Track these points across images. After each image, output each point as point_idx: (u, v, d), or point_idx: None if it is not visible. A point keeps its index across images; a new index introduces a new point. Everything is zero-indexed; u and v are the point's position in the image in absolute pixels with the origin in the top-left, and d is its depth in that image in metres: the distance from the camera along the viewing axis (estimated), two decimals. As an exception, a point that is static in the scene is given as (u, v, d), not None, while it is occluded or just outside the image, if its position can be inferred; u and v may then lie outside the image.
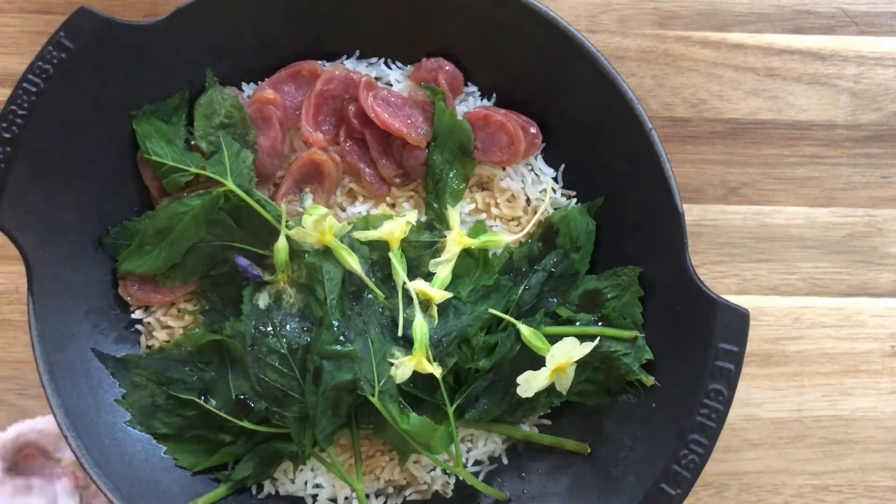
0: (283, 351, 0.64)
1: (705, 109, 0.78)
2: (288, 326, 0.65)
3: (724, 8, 0.79)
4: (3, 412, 0.74)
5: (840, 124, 0.79)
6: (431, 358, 0.64)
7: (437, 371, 0.63)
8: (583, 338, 0.64)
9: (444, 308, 0.65)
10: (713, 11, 0.79)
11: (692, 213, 0.77)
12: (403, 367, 0.63)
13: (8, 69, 0.77)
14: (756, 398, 0.77)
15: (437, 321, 0.65)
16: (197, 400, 0.66)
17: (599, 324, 0.67)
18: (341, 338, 0.64)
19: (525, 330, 0.64)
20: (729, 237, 0.78)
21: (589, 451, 0.68)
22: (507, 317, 0.65)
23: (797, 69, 0.79)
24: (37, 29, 0.78)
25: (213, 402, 0.66)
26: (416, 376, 0.64)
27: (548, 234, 0.69)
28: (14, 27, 0.78)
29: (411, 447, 0.66)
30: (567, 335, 0.64)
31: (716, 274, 0.77)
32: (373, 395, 0.63)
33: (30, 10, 0.78)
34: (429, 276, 0.67)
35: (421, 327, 0.63)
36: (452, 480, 0.71)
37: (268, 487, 0.69)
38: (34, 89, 0.61)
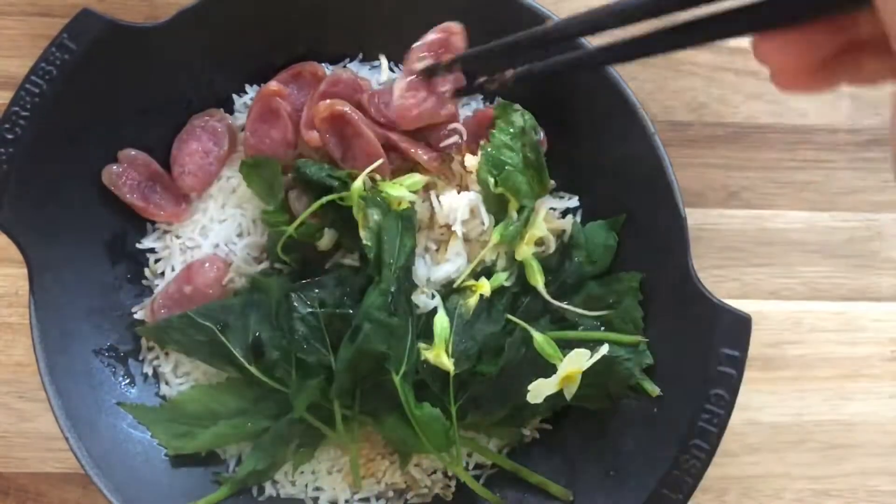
0: (317, 310, 0.65)
1: (706, 113, 0.79)
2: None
3: (726, 10, 0.79)
4: (3, 415, 0.74)
5: (840, 128, 0.79)
6: (450, 353, 0.64)
7: (451, 367, 0.63)
8: (586, 342, 0.64)
9: (478, 311, 0.66)
10: (714, 14, 0.79)
11: (693, 217, 0.77)
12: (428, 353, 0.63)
13: (9, 72, 0.77)
14: (756, 402, 0.76)
15: (470, 314, 0.65)
16: (214, 328, 0.65)
17: (602, 328, 0.67)
18: (391, 308, 0.63)
19: (539, 337, 0.64)
20: (729, 241, 0.78)
21: (572, 499, 0.67)
22: (522, 323, 0.65)
23: (798, 73, 0.79)
24: (37, 32, 0.78)
25: (230, 340, 0.65)
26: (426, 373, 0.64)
27: (564, 245, 0.69)
28: (15, 30, 0.78)
29: (412, 447, 0.65)
30: (570, 339, 0.65)
31: (716, 278, 0.77)
32: (397, 374, 0.63)
33: (31, 12, 0.78)
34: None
35: (440, 321, 0.64)
36: (453, 483, 0.71)
37: (269, 489, 0.69)
38: (37, 90, 0.62)
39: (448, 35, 0.64)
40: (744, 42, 0.77)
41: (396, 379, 0.62)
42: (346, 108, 0.66)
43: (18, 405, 0.74)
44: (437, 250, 0.68)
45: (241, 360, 0.65)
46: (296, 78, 0.71)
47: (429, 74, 0.63)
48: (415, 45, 0.64)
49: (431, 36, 0.64)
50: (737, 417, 0.75)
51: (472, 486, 0.68)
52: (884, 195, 0.78)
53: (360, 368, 0.63)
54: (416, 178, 0.66)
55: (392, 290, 0.63)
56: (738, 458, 0.76)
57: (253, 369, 0.65)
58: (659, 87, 0.79)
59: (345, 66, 0.72)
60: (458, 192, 0.68)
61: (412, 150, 0.66)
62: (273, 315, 0.65)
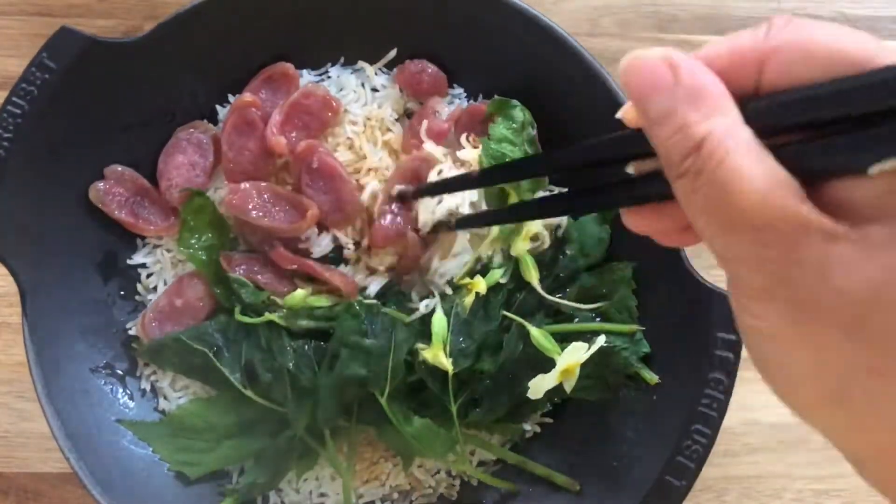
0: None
1: (706, 113, 0.78)
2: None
3: (724, 12, 0.78)
4: (3, 415, 0.74)
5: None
6: (448, 353, 0.64)
7: (449, 367, 0.63)
8: (583, 334, 0.64)
9: (475, 309, 0.65)
10: (713, 15, 0.78)
11: (692, 217, 0.77)
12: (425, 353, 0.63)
13: (8, 71, 0.77)
14: (756, 402, 0.76)
15: (466, 312, 0.65)
16: (208, 353, 0.65)
17: (598, 319, 0.67)
18: (367, 330, 0.63)
19: (535, 332, 0.63)
20: (729, 241, 0.78)
21: (578, 488, 0.67)
22: (518, 319, 0.65)
23: (797, 73, 0.78)
24: (36, 31, 0.78)
25: (223, 364, 0.65)
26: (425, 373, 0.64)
27: (558, 240, 0.69)
28: (14, 29, 0.78)
29: (414, 452, 0.66)
30: (567, 332, 0.65)
31: (716, 278, 0.76)
32: (382, 396, 0.63)
33: (30, 12, 0.78)
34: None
35: (439, 321, 0.63)
36: (457, 482, 0.71)
37: (273, 498, 0.69)
38: (19, 111, 0.61)
39: (420, 162, 0.67)
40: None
41: (382, 401, 0.63)
42: (322, 149, 0.67)
43: (18, 405, 0.74)
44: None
45: (236, 384, 0.65)
46: (268, 82, 0.70)
47: (401, 199, 0.66)
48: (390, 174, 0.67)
49: (406, 164, 0.67)
50: (737, 417, 0.76)
51: (484, 479, 0.68)
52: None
53: (346, 393, 0.64)
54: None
55: (363, 313, 0.64)
56: (738, 458, 0.76)
57: (249, 393, 0.65)
58: (658, 87, 0.78)
59: (326, 72, 0.72)
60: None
61: (327, 275, 0.66)
62: (261, 338, 0.65)
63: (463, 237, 0.67)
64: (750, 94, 0.30)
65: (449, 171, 0.67)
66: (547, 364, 0.62)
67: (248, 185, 0.67)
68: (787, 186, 0.27)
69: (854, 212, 0.27)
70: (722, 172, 0.28)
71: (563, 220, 0.69)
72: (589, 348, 0.61)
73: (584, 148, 0.39)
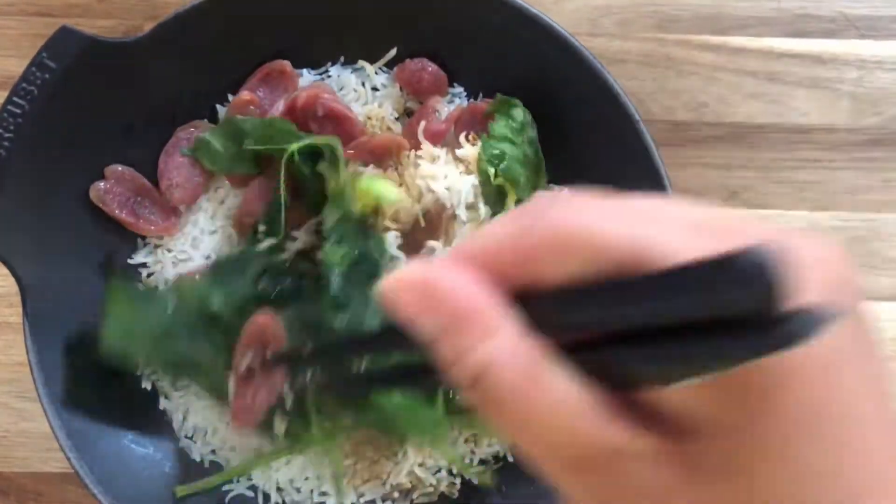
0: None
1: (706, 113, 0.78)
2: None
3: (725, 12, 0.78)
4: (3, 415, 0.74)
5: (841, 128, 0.78)
6: None
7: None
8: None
9: None
10: (714, 15, 0.78)
11: (693, 217, 0.77)
12: None
13: (9, 71, 0.77)
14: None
15: None
16: None
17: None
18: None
19: None
20: (729, 241, 0.77)
21: None
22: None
23: (798, 73, 0.78)
24: (36, 31, 0.77)
25: None
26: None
27: None
28: (14, 30, 0.78)
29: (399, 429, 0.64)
30: None
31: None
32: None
33: (30, 12, 0.78)
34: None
35: None
36: (458, 481, 0.71)
37: (275, 497, 0.69)
38: (19, 111, 0.61)
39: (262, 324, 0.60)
40: (744, 42, 0.78)
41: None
42: (325, 95, 0.67)
43: (18, 405, 0.74)
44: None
45: None
46: (265, 80, 0.70)
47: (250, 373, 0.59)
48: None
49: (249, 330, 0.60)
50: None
51: (479, 479, 0.67)
52: (884, 195, 0.78)
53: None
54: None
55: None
56: (738, 458, 0.76)
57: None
58: (659, 87, 0.78)
59: (326, 71, 0.72)
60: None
61: None
62: None
63: (462, 228, 0.67)
64: (538, 286, 0.26)
65: (445, 164, 0.67)
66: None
67: (254, 184, 0.67)
68: (590, 407, 0.24)
69: (675, 419, 0.24)
70: (514, 406, 0.25)
71: None
72: None
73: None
